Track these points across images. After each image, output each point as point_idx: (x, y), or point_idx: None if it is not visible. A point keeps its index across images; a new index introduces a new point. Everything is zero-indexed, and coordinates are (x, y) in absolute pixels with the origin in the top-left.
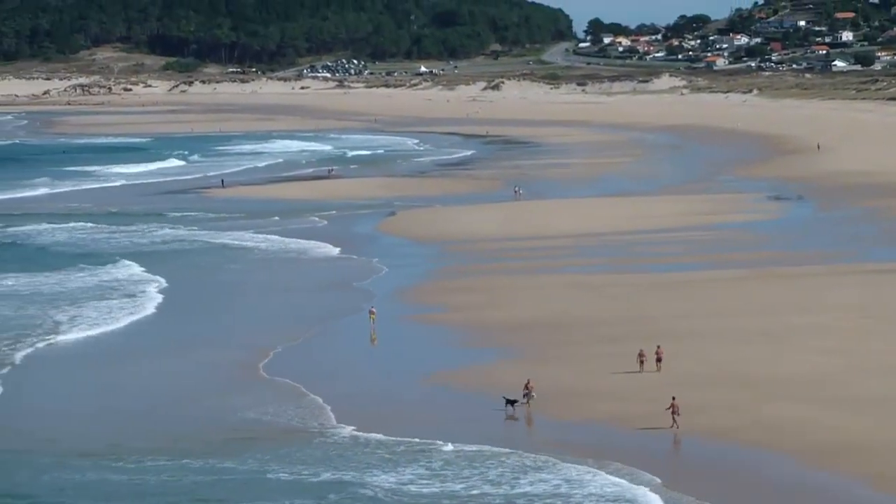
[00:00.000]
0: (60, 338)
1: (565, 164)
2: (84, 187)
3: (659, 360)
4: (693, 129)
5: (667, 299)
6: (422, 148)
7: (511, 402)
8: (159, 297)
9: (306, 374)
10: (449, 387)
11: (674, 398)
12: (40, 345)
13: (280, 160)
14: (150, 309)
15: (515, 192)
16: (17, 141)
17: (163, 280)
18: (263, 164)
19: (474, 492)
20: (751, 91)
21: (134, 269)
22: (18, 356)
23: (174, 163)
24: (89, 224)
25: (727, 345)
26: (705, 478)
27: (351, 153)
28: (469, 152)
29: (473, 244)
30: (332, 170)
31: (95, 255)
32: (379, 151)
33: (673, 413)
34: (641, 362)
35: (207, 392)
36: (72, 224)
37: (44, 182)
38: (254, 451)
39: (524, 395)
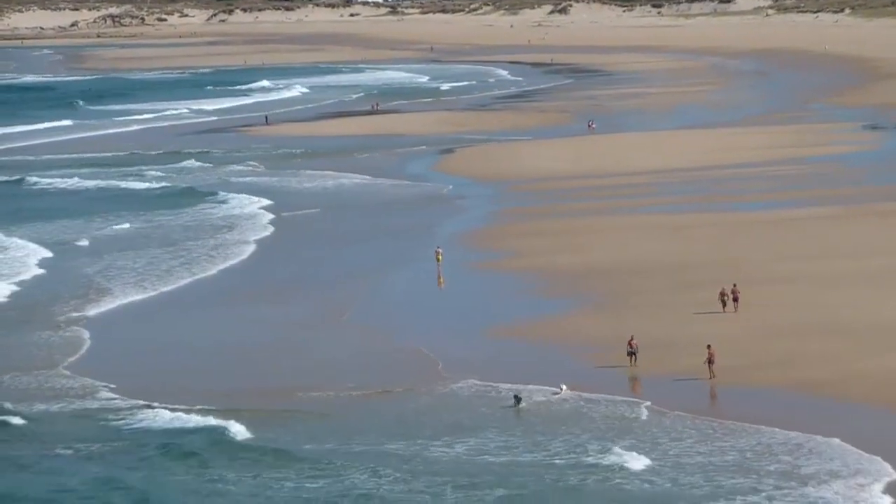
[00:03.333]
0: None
1: (641, 94)
2: (182, 122)
3: (735, 300)
4: (780, 53)
5: (754, 240)
6: (518, 78)
7: (518, 400)
8: (253, 246)
9: (375, 320)
10: (521, 339)
11: (709, 346)
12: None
13: (374, 92)
14: (248, 251)
15: (589, 125)
16: (113, 75)
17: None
18: (355, 95)
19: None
20: (842, 10)
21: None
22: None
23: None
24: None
25: (821, 289)
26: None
27: (445, 85)
28: (534, 82)
29: (541, 183)
30: (378, 104)
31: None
32: (473, 82)
33: (710, 364)
34: (724, 302)
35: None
36: (184, 163)
37: (144, 119)
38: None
39: (628, 354)
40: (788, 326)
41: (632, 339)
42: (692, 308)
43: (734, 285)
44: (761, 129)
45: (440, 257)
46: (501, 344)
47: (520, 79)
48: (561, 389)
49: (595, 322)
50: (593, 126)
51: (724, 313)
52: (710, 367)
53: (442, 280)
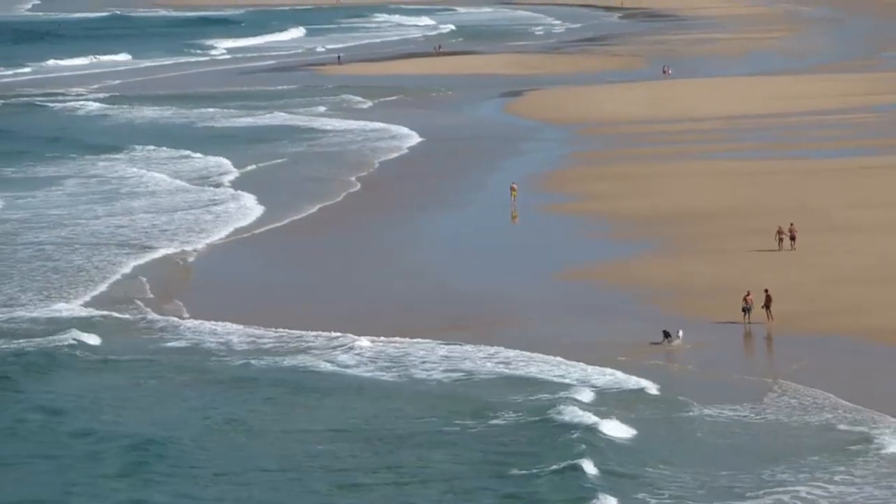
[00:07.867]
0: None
1: (714, 40)
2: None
3: (793, 238)
4: (855, 0)
5: (826, 188)
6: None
7: (667, 336)
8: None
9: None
10: (589, 281)
11: (766, 290)
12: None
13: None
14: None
15: (664, 70)
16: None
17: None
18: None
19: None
20: None
21: None
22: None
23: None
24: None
25: (889, 238)
26: (868, 384)
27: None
28: (605, 26)
29: (613, 127)
30: (440, 46)
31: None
32: (584, 24)
33: (767, 308)
34: (780, 240)
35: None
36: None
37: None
38: None
39: (743, 310)
40: (860, 274)
41: (748, 295)
42: (757, 254)
43: (791, 224)
44: (833, 76)
45: (515, 193)
46: (574, 285)
47: (624, 21)
48: (679, 336)
49: (660, 266)
50: (669, 71)
51: (780, 252)
52: (767, 311)
53: (516, 215)
